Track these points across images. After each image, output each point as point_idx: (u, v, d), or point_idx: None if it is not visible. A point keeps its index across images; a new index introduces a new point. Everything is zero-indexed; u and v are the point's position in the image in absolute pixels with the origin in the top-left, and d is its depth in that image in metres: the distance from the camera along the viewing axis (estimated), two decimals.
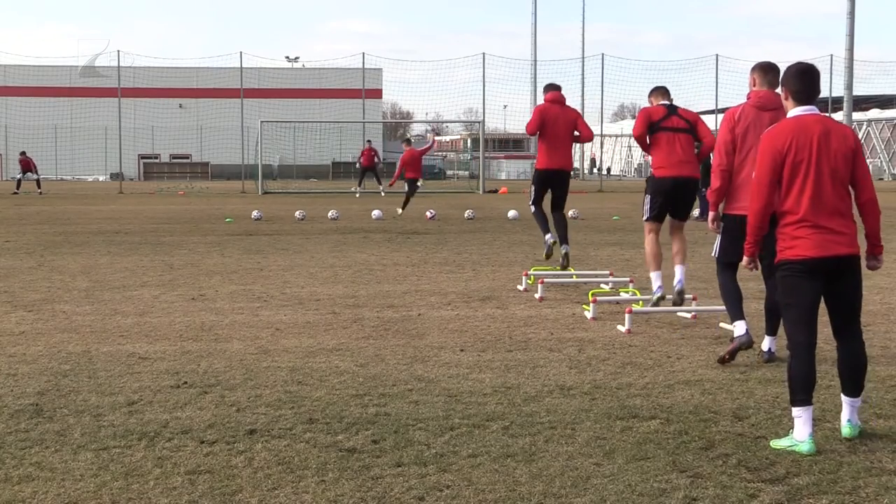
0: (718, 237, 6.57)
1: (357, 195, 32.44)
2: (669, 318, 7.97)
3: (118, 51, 40.20)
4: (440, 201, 29.31)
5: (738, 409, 5.16)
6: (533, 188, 10.42)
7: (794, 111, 4.83)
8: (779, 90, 5.51)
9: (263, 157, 40.60)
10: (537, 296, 9.06)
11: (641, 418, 4.95)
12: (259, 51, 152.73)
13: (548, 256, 10.51)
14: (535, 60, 54.74)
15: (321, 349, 6.68)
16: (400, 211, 21.56)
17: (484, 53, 42.14)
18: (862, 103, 73.25)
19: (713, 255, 6.73)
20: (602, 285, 9.63)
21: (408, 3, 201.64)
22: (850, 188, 4.75)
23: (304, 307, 8.53)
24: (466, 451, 4.40)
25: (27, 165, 36.97)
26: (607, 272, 10.30)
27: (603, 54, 44.17)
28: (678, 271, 7.92)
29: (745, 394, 5.49)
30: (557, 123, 9.98)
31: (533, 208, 10.46)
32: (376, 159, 34.15)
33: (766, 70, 6.37)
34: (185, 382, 5.71)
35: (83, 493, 3.87)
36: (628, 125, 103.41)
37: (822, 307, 4.80)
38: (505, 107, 55.54)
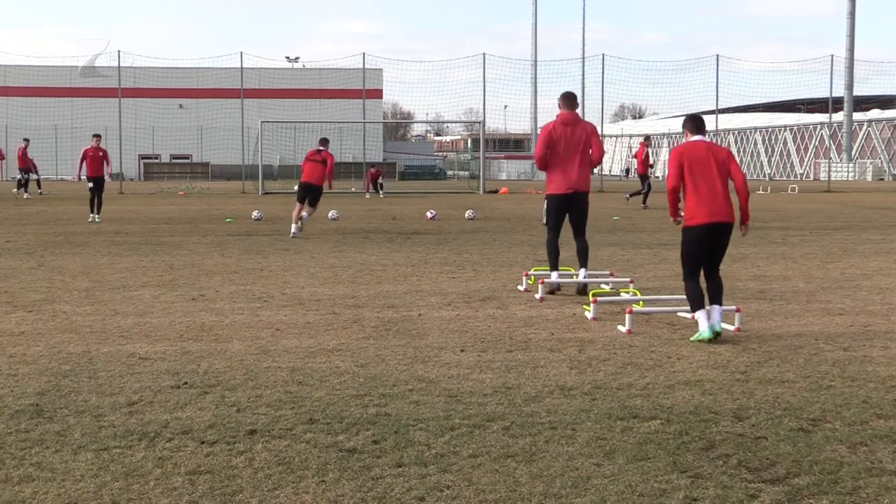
0: (546, 204, 9.96)
1: (367, 196, 34.30)
2: (669, 318, 7.97)
3: (118, 51, 40.24)
4: (440, 201, 29.32)
5: (738, 409, 5.16)
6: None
7: (691, 139, 7.62)
8: (575, 110, 9.81)
9: (263, 158, 40.60)
10: (538, 296, 9.06)
11: (642, 418, 4.95)
12: (259, 51, 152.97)
13: None
14: (536, 61, 54.79)
15: (321, 349, 6.68)
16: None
17: (484, 54, 42.18)
18: (862, 103, 73.29)
19: (542, 222, 10.08)
20: (602, 285, 9.63)
21: (408, 3, 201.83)
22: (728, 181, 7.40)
23: (305, 307, 8.53)
24: (467, 452, 4.40)
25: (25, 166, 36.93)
26: (607, 272, 10.31)
27: (603, 55, 44.19)
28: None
29: (745, 394, 5.49)
30: None
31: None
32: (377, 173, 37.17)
33: (566, 98, 9.84)
34: (186, 383, 5.70)
35: (83, 494, 3.87)
36: (628, 125, 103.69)
37: None
38: (505, 107, 55.61)
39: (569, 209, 9.87)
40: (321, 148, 17.13)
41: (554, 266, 9.77)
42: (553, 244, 9.88)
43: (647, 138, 29.13)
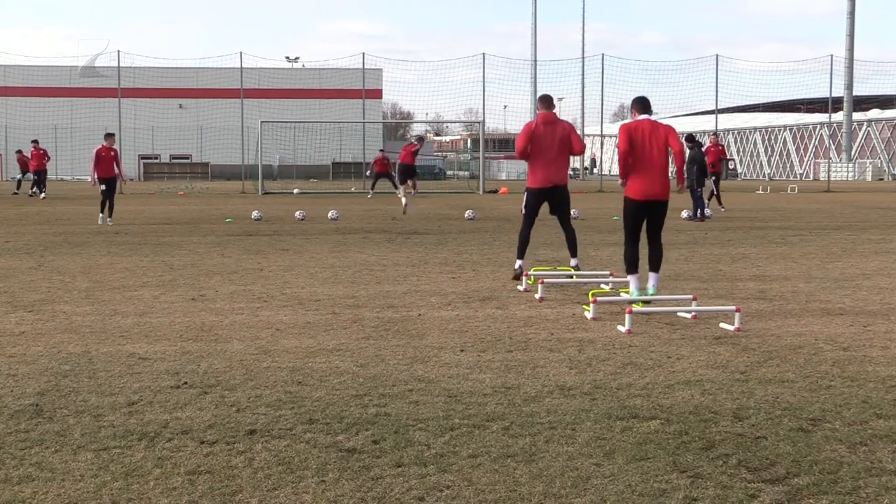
0: (525, 197, 10.77)
1: (369, 196, 33.33)
2: (669, 318, 7.97)
3: (118, 51, 40.27)
4: (440, 201, 29.32)
5: (738, 409, 5.16)
6: None
7: (638, 117, 8.70)
8: (553, 110, 10.51)
9: (263, 158, 40.59)
10: (537, 296, 9.05)
11: (641, 418, 4.95)
12: (259, 51, 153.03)
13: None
14: (535, 60, 54.83)
15: (321, 349, 6.68)
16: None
17: (484, 54, 42.18)
18: (862, 103, 73.31)
19: (521, 210, 10.90)
20: (602, 285, 9.63)
21: (408, 3, 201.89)
22: (668, 157, 8.62)
23: (304, 307, 8.53)
24: (466, 452, 4.40)
25: (26, 165, 37.00)
26: (607, 272, 10.30)
27: (603, 55, 44.24)
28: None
29: (745, 394, 5.48)
30: None
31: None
32: (387, 164, 35.03)
33: (544, 100, 10.65)
34: (185, 383, 5.70)
35: (83, 494, 3.87)
36: None
37: None
38: (505, 107, 55.58)
39: (548, 201, 10.70)
40: (417, 145, 26.27)
41: (521, 254, 10.69)
42: (525, 234, 10.78)
43: (716, 135, 27.59)
